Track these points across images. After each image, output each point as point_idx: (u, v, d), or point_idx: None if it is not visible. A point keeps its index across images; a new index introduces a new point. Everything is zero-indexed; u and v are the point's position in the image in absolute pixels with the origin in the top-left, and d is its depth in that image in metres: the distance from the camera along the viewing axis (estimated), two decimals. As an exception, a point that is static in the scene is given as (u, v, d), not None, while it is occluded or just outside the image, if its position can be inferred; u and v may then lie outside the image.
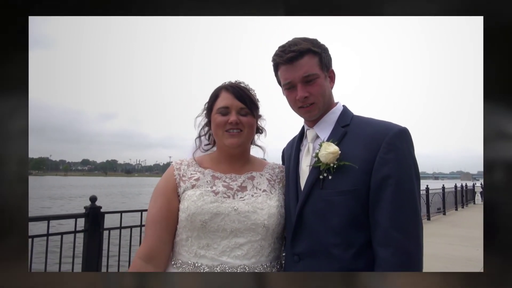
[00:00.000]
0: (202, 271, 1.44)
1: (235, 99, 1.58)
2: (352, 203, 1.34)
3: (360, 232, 1.34)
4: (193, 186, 1.55)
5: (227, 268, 1.43)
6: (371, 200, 1.33)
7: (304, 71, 1.46)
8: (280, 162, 1.85)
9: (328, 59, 1.53)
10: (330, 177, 1.39)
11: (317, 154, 1.44)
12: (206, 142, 1.74)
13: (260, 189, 1.58)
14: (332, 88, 1.57)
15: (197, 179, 1.57)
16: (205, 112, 1.69)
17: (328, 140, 1.46)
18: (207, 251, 1.46)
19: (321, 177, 1.41)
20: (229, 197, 1.52)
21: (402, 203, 1.28)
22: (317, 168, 1.43)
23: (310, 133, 1.58)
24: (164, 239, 1.51)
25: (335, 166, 1.38)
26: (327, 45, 1.55)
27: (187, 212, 1.47)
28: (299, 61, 1.46)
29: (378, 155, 1.33)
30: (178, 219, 1.52)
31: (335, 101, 1.60)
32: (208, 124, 1.68)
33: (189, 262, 1.47)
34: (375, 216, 1.31)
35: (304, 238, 1.43)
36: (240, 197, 1.53)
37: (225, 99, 1.59)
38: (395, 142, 1.34)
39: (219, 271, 1.43)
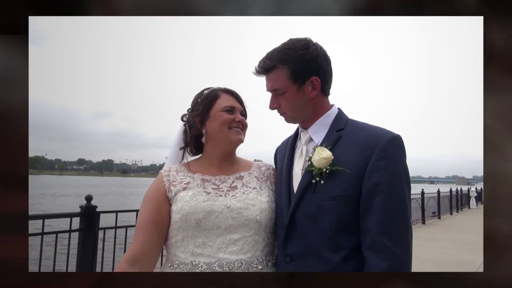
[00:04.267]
0: (200, 268, 1.46)
1: (237, 102, 1.68)
2: (343, 208, 1.36)
3: (350, 236, 1.35)
4: (184, 189, 1.57)
5: (224, 263, 1.46)
6: (362, 206, 1.34)
7: (270, 85, 1.53)
8: (272, 162, 1.84)
9: (306, 69, 1.46)
10: (322, 182, 1.40)
11: (310, 158, 1.44)
12: (193, 144, 1.73)
13: (250, 187, 1.62)
14: (315, 95, 1.50)
15: (188, 183, 1.59)
16: (198, 112, 1.66)
17: (321, 144, 1.46)
18: (203, 249, 1.48)
19: (313, 181, 1.42)
20: (221, 195, 1.56)
21: (392, 210, 1.30)
22: (309, 172, 1.44)
23: (304, 135, 1.59)
24: (151, 243, 1.51)
25: (327, 171, 1.39)
26: (326, 46, 1.53)
27: (181, 212, 1.49)
28: (267, 75, 1.53)
29: (370, 161, 1.34)
30: (171, 221, 1.54)
31: (331, 103, 1.60)
32: (200, 125, 1.66)
33: (187, 261, 1.48)
34: (365, 222, 1.32)
35: (296, 240, 1.45)
36: (232, 195, 1.57)
37: (229, 100, 1.66)
38: (387, 149, 1.35)
39: (217, 267, 1.45)
